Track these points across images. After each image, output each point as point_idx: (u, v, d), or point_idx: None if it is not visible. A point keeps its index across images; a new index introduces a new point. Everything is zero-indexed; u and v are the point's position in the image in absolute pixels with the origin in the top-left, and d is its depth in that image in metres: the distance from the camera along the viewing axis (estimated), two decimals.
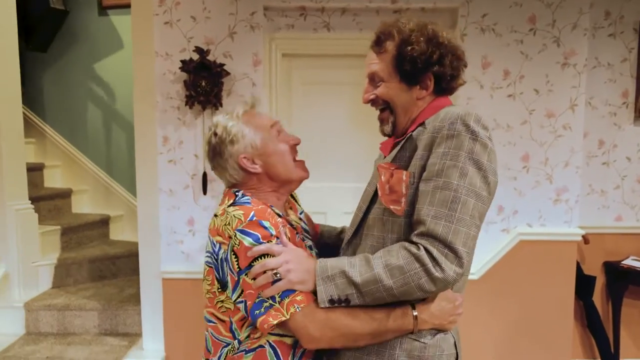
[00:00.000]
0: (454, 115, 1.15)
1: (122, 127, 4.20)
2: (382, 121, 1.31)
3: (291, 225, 1.34)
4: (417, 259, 1.07)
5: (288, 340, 1.25)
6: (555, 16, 2.65)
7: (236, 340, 1.26)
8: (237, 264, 1.18)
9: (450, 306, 1.22)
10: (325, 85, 2.92)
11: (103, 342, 3.07)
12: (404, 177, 1.18)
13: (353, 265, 1.14)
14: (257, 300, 1.17)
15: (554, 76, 2.69)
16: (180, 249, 2.84)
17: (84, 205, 4.18)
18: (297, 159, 1.37)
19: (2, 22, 3.17)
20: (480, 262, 2.78)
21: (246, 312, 1.20)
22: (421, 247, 1.08)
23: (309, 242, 1.42)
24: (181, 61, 2.65)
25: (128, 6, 3.69)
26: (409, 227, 1.17)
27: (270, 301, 1.16)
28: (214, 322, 1.30)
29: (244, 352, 1.25)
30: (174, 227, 2.82)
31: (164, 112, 2.76)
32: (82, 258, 3.54)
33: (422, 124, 1.24)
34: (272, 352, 1.25)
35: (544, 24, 2.67)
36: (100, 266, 3.59)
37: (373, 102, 1.31)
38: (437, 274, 1.07)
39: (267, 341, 1.24)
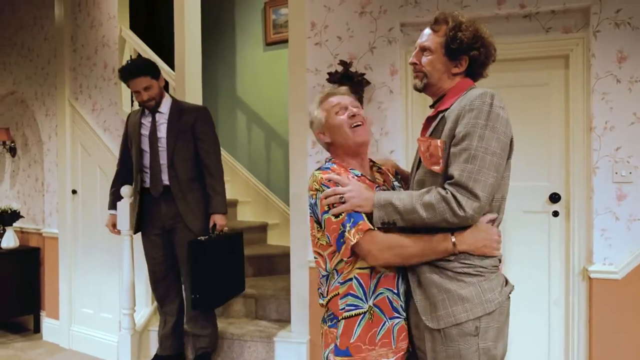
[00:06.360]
0: (474, 94, 1.52)
1: (279, 146, 4.80)
2: (416, 77, 1.69)
3: (372, 180, 1.74)
4: (444, 199, 1.45)
5: (367, 271, 1.64)
6: None
7: (334, 271, 1.67)
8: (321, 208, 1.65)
9: (483, 234, 1.54)
10: None
11: (258, 324, 3.50)
12: (439, 144, 1.54)
13: (399, 199, 1.52)
14: (339, 234, 1.60)
15: None
16: None
17: (246, 214, 4.81)
18: (355, 125, 1.72)
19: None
20: (623, 260, 2.68)
21: (331, 243, 1.63)
22: (449, 192, 1.45)
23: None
24: (328, 73, 3.07)
25: (286, 41, 4.29)
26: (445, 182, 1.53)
27: (342, 228, 1.58)
28: (316, 257, 1.73)
29: (339, 284, 1.67)
30: None
31: None
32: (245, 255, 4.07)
33: (449, 109, 1.58)
34: (357, 282, 1.65)
35: None
36: (258, 263, 4.09)
37: (415, 67, 1.68)
38: (458, 211, 1.43)
39: (354, 275, 1.64)
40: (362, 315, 1.64)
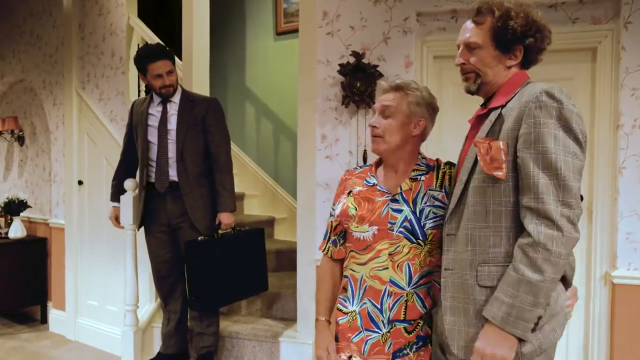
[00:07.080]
0: (538, 89, 1.32)
1: (288, 138, 4.68)
2: (467, 79, 1.49)
3: (384, 191, 1.66)
4: (541, 244, 1.25)
5: (357, 275, 1.67)
6: None
7: None
8: None
9: None
10: None
11: (263, 322, 3.40)
12: (502, 146, 1.35)
13: (514, 296, 1.28)
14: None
15: None
16: None
17: (253, 208, 4.71)
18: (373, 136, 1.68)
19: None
20: None
21: None
22: (539, 226, 1.26)
23: (395, 206, 1.64)
24: (339, 65, 2.94)
25: (298, 30, 4.17)
26: (512, 190, 1.34)
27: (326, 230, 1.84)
28: None
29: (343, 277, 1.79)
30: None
31: (323, 113, 3.06)
32: None
33: (505, 106, 1.41)
34: (350, 281, 1.71)
35: None
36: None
37: (463, 67, 1.49)
38: (562, 238, 1.25)
39: (349, 274, 1.71)
40: (345, 316, 1.71)
